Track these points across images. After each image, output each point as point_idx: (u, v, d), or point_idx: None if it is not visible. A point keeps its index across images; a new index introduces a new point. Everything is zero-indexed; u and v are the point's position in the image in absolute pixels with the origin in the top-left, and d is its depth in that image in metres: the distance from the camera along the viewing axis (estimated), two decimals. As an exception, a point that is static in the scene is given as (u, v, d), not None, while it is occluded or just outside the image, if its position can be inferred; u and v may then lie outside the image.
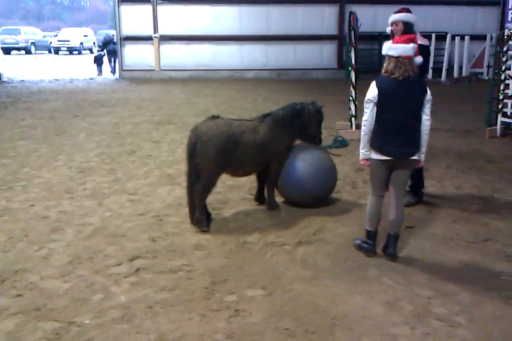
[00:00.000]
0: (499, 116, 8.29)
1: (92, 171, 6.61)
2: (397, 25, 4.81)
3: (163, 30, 18.10)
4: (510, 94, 8.04)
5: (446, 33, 16.61)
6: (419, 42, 4.83)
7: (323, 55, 18.43)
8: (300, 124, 5.03)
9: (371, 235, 4.08)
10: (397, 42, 3.75)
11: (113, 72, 19.91)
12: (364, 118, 3.82)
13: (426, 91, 3.79)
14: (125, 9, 18.08)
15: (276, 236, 4.49)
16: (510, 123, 8.34)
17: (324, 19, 18.11)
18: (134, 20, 18.04)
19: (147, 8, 17.90)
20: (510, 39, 7.81)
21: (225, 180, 6.11)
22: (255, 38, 18.15)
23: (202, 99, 13.44)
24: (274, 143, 4.88)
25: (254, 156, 4.80)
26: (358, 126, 8.36)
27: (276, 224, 4.79)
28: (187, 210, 5.12)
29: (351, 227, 4.67)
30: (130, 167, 6.85)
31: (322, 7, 18.07)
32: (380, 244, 4.15)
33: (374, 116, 3.77)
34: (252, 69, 18.20)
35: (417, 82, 3.78)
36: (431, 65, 16.03)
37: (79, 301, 3.44)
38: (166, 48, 18.28)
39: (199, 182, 4.72)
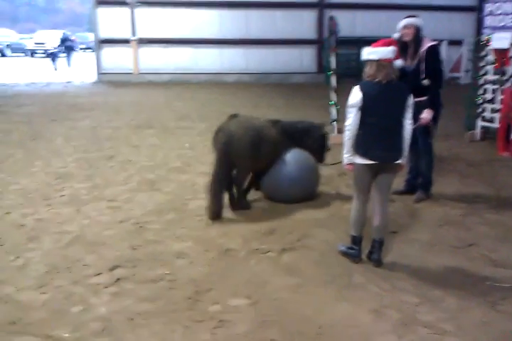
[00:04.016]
0: (478, 120, 8.36)
1: (69, 177, 6.45)
2: (409, 28, 4.95)
3: (141, 33, 17.93)
4: (489, 99, 8.11)
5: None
6: (431, 43, 4.96)
7: (303, 59, 18.47)
8: (301, 140, 5.46)
9: (356, 240, 4.04)
10: (376, 46, 3.74)
11: (69, 66, 23.81)
12: (347, 122, 3.78)
13: (408, 95, 3.78)
14: (102, 12, 17.86)
15: (260, 243, 4.42)
16: (489, 127, 8.41)
17: (303, 23, 18.15)
18: (112, 22, 17.84)
19: (125, 10, 17.71)
20: (487, 44, 7.89)
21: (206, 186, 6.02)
22: (235, 42, 18.10)
23: (182, 102, 13.33)
24: (279, 147, 5.26)
25: (270, 152, 5.18)
26: (340, 131, 8.36)
27: (260, 230, 4.71)
28: (168, 217, 5.05)
29: (336, 233, 4.62)
30: (109, 172, 6.71)
31: (301, 11, 18.12)
32: (365, 250, 4.11)
33: (358, 121, 3.73)
34: (232, 73, 18.14)
35: (399, 85, 3.76)
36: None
37: (57, 313, 3.31)
38: (145, 51, 18.12)
39: (237, 175, 5.13)
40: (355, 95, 3.71)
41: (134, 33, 17.88)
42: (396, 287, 3.69)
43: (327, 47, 17.26)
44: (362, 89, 3.69)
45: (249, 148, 4.95)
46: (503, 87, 7.80)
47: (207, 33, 17.99)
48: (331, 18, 8.07)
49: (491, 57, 7.92)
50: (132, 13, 17.73)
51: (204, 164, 7.05)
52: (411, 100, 3.78)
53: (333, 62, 8.11)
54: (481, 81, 8.16)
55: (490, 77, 8.05)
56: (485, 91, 8.18)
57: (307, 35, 18.25)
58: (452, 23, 17.72)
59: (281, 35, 18.09)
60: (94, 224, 4.88)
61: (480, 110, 8.32)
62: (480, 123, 8.38)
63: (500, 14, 7.71)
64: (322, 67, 18.28)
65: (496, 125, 8.11)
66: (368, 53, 3.71)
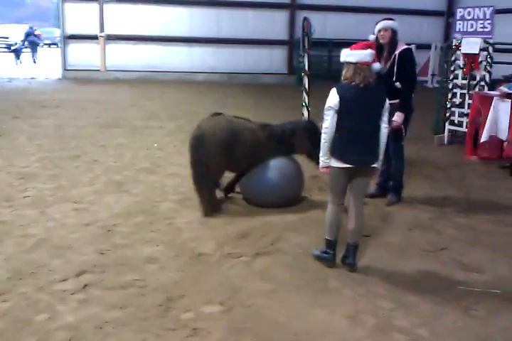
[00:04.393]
0: (446, 124, 8.49)
1: (33, 177, 6.20)
2: (386, 30, 4.95)
3: (109, 30, 17.53)
4: (457, 103, 8.24)
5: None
6: (405, 47, 4.98)
7: (274, 59, 18.43)
8: (292, 143, 5.28)
9: (331, 244, 3.99)
10: (354, 49, 3.70)
11: (34, 61, 23.45)
12: (324, 125, 3.73)
13: (385, 99, 3.76)
14: (70, 7, 17.38)
15: (232, 247, 4.33)
16: (456, 131, 8.56)
17: (275, 24, 18.10)
18: (79, 18, 17.37)
19: (93, 6, 17.27)
20: (458, 49, 8.01)
21: (176, 188, 5.90)
22: (205, 41, 17.90)
23: (149, 101, 13.08)
24: (265, 153, 5.17)
25: (246, 154, 5.09)
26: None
27: (232, 233, 4.62)
28: (137, 220, 4.91)
29: (309, 237, 4.57)
30: (74, 173, 6.49)
31: (273, 12, 18.07)
32: (339, 254, 4.07)
33: (334, 124, 3.69)
34: (202, 72, 17.94)
35: (376, 89, 3.74)
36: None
37: (20, 322, 3.14)
38: (113, 48, 17.72)
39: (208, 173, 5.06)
40: (333, 98, 3.67)
41: (102, 29, 17.47)
42: (371, 292, 3.67)
43: (299, 48, 17.42)
44: (339, 92, 3.65)
45: (218, 147, 4.93)
46: (471, 92, 7.94)
47: (177, 30, 17.72)
48: (305, 19, 8.04)
49: (460, 62, 8.04)
50: (101, 8, 17.31)
51: (174, 165, 6.93)
52: (387, 104, 3.77)
53: (306, 63, 8.08)
54: (450, 85, 8.28)
55: (459, 81, 8.17)
56: (454, 95, 8.30)
57: (278, 35, 18.21)
58: (421, 27, 17.98)
59: (252, 35, 18.00)
60: (59, 227, 4.69)
61: (448, 114, 8.45)
62: (448, 127, 8.50)
63: (471, 19, 7.83)
64: (292, 68, 18.33)
65: (464, 129, 8.26)
66: (346, 55, 3.68)
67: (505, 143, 6.63)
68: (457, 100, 8.25)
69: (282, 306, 3.43)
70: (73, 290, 3.53)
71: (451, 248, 4.50)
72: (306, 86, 8.11)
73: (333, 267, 4.00)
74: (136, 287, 3.62)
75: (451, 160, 7.61)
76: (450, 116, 8.44)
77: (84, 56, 17.58)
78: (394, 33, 5.04)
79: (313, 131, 5.17)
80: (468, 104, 8.07)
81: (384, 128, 3.78)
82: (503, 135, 6.69)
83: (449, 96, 8.35)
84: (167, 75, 17.64)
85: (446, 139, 8.53)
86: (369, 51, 3.64)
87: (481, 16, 7.68)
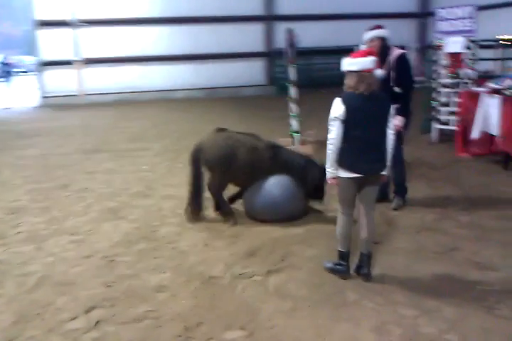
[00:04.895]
0: (434, 123, 8.51)
1: (23, 211, 6.00)
2: (373, 41, 4.96)
3: (85, 53, 17.37)
4: (444, 102, 8.27)
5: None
6: (400, 51, 4.96)
7: (253, 72, 18.45)
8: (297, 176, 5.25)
9: (344, 256, 3.90)
10: (356, 57, 3.65)
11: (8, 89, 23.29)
12: (331, 136, 3.65)
13: (390, 106, 3.71)
14: (43, 33, 17.18)
15: (242, 267, 4.21)
16: (444, 129, 8.58)
17: (252, 36, 18.14)
18: (54, 44, 17.18)
19: (67, 31, 17.12)
20: (440, 49, 8.06)
21: (174, 210, 5.76)
22: (183, 57, 17.85)
23: (132, 123, 12.93)
24: (266, 172, 5.18)
25: (246, 170, 5.18)
26: (303, 142, 8.30)
27: (239, 252, 4.50)
28: (139, 247, 4.76)
29: (318, 249, 4.48)
30: (66, 203, 6.31)
31: (249, 25, 18.11)
32: (351, 265, 3.98)
33: (341, 134, 3.61)
34: (182, 89, 17.85)
35: (381, 96, 3.69)
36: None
37: (34, 369, 2.98)
38: (90, 72, 17.54)
39: (208, 183, 5.31)
40: (338, 108, 3.59)
41: (77, 54, 17.29)
42: (391, 300, 3.58)
43: (277, 59, 17.46)
44: (345, 102, 3.58)
45: (215, 161, 5.16)
46: (457, 90, 7.98)
47: (155, 49, 17.64)
48: (290, 31, 8.04)
49: (444, 62, 8.09)
50: (75, 33, 17.15)
51: (167, 186, 6.80)
52: (392, 110, 3.72)
53: (292, 73, 8.05)
54: (435, 84, 8.32)
55: (444, 80, 8.21)
56: (439, 94, 8.34)
57: (256, 47, 18.24)
58: (396, 29, 18.07)
59: (230, 49, 18.01)
60: (59, 262, 4.51)
61: (435, 113, 8.47)
62: (436, 126, 8.52)
63: (452, 19, 7.89)
64: (272, 79, 18.35)
65: (452, 127, 8.29)
66: (349, 64, 3.62)
67: (497, 138, 6.64)
68: (443, 99, 8.28)
69: (305, 324, 3.32)
70: (85, 329, 3.38)
71: (462, 248, 4.45)
72: (294, 96, 8.05)
73: (347, 279, 3.91)
74: (150, 319, 3.48)
75: (443, 158, 7.61)
76: (437, 115, 8.46)
77: (60, 82, 17.38)
78: (383, 40, 5.04)
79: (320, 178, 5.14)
80: (455, 102, 8.11)
81: (390, 135, 3.72)
82: (494, 130, 6.71)
83: (435, 95, 8.37)
84: (147, 95, 17.53)
85: (435, 138, 8.55)
86: (371, 58, 3.59)
87: (462, 15, 7.74)
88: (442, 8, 8.17)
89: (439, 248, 4.45)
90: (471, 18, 7.78)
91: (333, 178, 3.78)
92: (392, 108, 3.76)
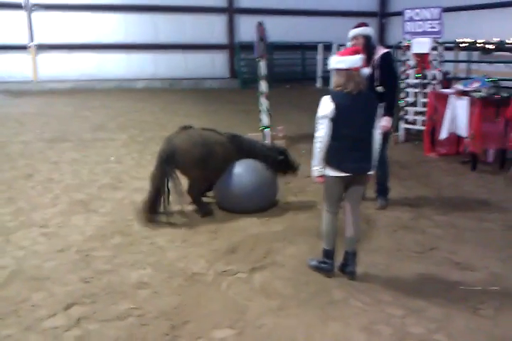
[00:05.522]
0: (401, 122, 8.67)
1: (-14, 202, 5.70)
2: (357, 39, 4.93)
3: (40, 39, 16.66)
4: (411, 102, 8.43)
5: (332, 43, 17.27)
6: (384, 51, 4.97)
7: (215, 64, 18.22)
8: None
9: (329, 254, 3.90)
10: (343, 55, 3.63)
11: None
12: (319, 134, 3.62)
13: (377, 105, 3.72)
14: (-5, 16, 16.37)
15: (225, 264, 4.13)
16: (410, 129, 8.76)
17: (213, 28, 17.89)
18: (6, 27, 16.39)
19: (21, 14, 16.34)
20: (408, 49, 8.20)
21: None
22: (143, 47, 17.39)
23: (92, 111, 12.51)
24: (231, 160, 5.22)
25: (220, 167, 5.16)
26: (273, 138, 8.26)
27: (220, 249, 4.42)
28: (114, 241, 4.60)
29: (299, 246, 4.46)
30: (31, 194, 6.03)
31: (210, 16, 17.85)
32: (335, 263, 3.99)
33: (329, 132, 3.59)
34: (141, 79, 17.42)
35: (369, 95, 3.69)
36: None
37: (13, 370, 2.81)
38: (45, 58, 16.82)
39: (188, 187, 5.20)
40: (327, 106, 3.56)
41: (31, 39, 16.57)
42: (377, 300, 3.60)
43: (239, 52, 17.32)
44: (334, 100, 3.55)
45: (193, 163, 5.02)
46: (424, 90, 8.15)
47: (112, 37, 17.09)
48: (260, 24, 7.93)
49: (411, 62, 8.23)
50: (29, 17, 16.42)
51: (137, 179, 6.61)
52: (379, 109, 3.73)
53: (263, 68, 7.97)
54: (403, 85, 8.46)
55: (411, 80, 8.36)
56: (407, 94, 8.49)
57: (218, 40, 18.02)
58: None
59: (191, 40, 17.71)
60: (30, 256, 4.29)
61: (403, 113, 8.63)
62: (403, 125, 8.69)
63: (419, 20, 8.03)
64: (234, 72, 18.21)
65: (418, 127, 8.47)
66: (336, 62, 3.59)
67: (466, 140, 6.82)
68: (410, 99, 8.44)
69: (294, 323, 3.29)
70: (66, 327, 3.22)
71: (440, 247, 4.53)
72: (265, 90, 7.97)
73: (332, 277, 3.91)
74: (134, 316, 3.35)
75: (412, 158, 7.76)
76: (404, 114, 8.62)
77: (13, 67, 16.60)
78: (367, 39, 5.03)
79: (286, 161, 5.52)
80: (422, 102, 8.28)
81: (377, 134, 3.73)
82: (463, 132, 6.89)
83: (402, 95, 8.53)
84: (105, 83, 17.00)
85: (401, 137, 8.71)
86: (359, 56, 3.57)
87: (429, 17, 7.90)
88: (409, 9, 8.30)
89: (419, 247, 4.51)
90: (437, 19, 7.94)
91: (320, 176, 3.75)
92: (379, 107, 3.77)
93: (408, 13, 8.21)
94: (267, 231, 4.82)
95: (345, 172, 3.66)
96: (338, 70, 3.60)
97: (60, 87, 16.71)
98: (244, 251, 4.37)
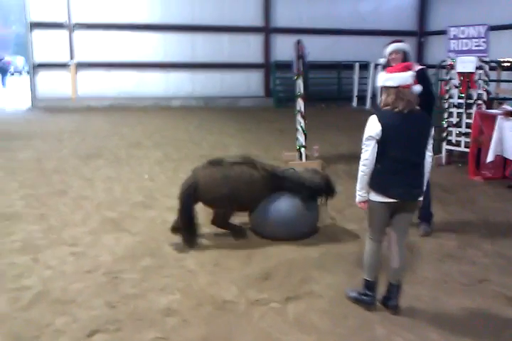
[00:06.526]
0: (444, 144, 8.32)
1: (18, 218, 5.64)
2: (397, 53, 4.77)
3: (80, 57, 17.04)
4: (454, 122, 8.10)
5: (369, 62, 17.08)
6: (420, 67, 4.76)
7: (250, 83, 18.25)
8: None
9: (371, 285, 3.62)
10: (393, 71, 3.40)
11: (3, 85, 25.32)
12: (364, 156, 3.38)
13: (430, 125, 3.47)
14: (38, 34, 16.82)
15: (258, 291, 3.90)
16: (453, 150, 8.40)
17: (250, 47, 17.97)
18: (48, 46, 16.83)
19: (62, 33, 16.79)
20: (452, 68, 7.90)
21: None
22: (181, 65, 17.57)
23: (128, 129, 12.59)
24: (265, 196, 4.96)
25: (248, 203, 4.97)
26: (308, 157, 8.05)
27: (253, 275, 4.20)
28: (144, 263, 4.44)
29: (338, 275, 4.19)
30: (63, 211, 5.96)
31: (247, 35, 17.94)
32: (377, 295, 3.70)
33: (375, 155, 3.35)
34: (178, 97, 17.55)
35: (421, 114, 3.44)
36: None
37: None
38: (84, 76, 17.20)
39: (212, 218, 5.03)
40: (374, 126, 3.33)
41: (72, 57, 16.96)
42: (423, 337, 3.31)
43: (275, 71, 17.27)
44: (381, 120, 3.32)
45: (217, 200, 4.86)
46: (469, 111, 7.81)
47: (151, 56, 17.37)
48: (299, 42, 7.81)
49: (455, 81, 7.92)
50: (70, 35, 16.85)
51: (170, 197, 6.43)
52: (433, 130, 3.48)
53: (300, 86, 7.81)
54: (446, 105, 8.14)
55: (455, 100, 8.04)
56: (450, 114, 8.16)
57: (254, 59, 18.06)
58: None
59: (228, 59, 17.80)
60: (57, 276, 4.17)
61: (445, 134, 8.29)
62: (446, 147, 8.33)
63: (464, 38, 7.74)
64: (269, 90, 18.16)
65: (462, 148, 8.11)
66: (385, 79, 3.37)
67: (514, 163, 6.45)
68: (454, 119, 8.10)
69: (332, 362, 3.02)
70: (89, 356, 3.05)
71: (490, 279, 4.19)
72: (302, 109, 7.79)
73: (373, 310, 3.62)
74: (160, 347, 3.15)
75: (455, 181, 7.39)
76: (447, 135, 8.28)
77: (54, 85, 16.99)
78: (405, 54, 4.83)
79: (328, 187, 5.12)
80: (466, 123, 7.93)
81: (429, 157, 3.48)
82: (510, 154, 6.51)
83: (446, 115, 8.20)
84: (142, 101, 17.19)
85: (444, 159, 8.35)
86: (410, 73, 3.35)
87: (475, 35, 7.60)
88: (454, 27, 8.00)
89: (466, 279, 4.19)
90: (483, 37, 7.63)
91: (364, 202, 3.50)
92: (433, 128, 3.51)
93: (453, 31, 7.91)
94: (303, 257, 4.57)
95: (393, 198, 3.39)
96: (387, 88, 3.37)
97: (98, 105, 16.99)
98: (278, 279, 4.13)
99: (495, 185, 7.10)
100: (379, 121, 3.32)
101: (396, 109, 3.32)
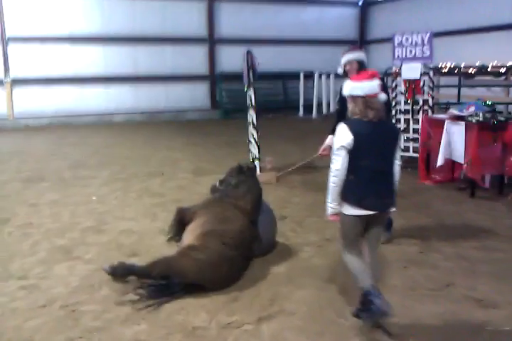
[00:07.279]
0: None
1: (-42, 251, 5.22)
2: (351, 64, 4.72)
3: (16, 72, 16.21)
4: (402, 129, 8.27)
5: (313, 72, 17.35)
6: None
7: (196, 95, 18.06)
8: None
9: (370, 293, 3.36)
10: (359, 80, 3.36)
11: None
12: (335, 167, 3.30)
13: (398, 133, 3.46)
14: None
15: (228, 314, 3.74)
16: (402, 156, 8.56)
17: (194, 59, 17.78)
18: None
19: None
20: (398, 75, 8.08)
21: (136, 247, 5.20)
22: (122, 79, 17.11)
23: (70, 148, 12.08)
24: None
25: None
26: (262, 170, 7.96)
27: (220, 297, 4.02)
28: (103, 293, 4.17)
29: (308, 290, 4.10)
30: (8, 241, 5.55)
31: (191, 46, 17.73)
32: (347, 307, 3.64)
33: (346, 165, 3.28)
34: (121, 112, 17.09)
35: (389, 123, 3.44)
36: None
37: None
38: (21, 93, 16.42)
39: None
40: (345, 136, 3.26)
41: (6, 73, 16.13)
42: (401, 349, 3.25)
43: (220, 82, 17.18)
44: (352, 130, 3.25)
45: None
46: (416, 117, 8.00)
47: (92, 69, 16.78)
48: (248, 52, 7.71)
49: (401, 88, 8.11)
50: (4, 50, 15.95)
51: (123, 219, 6.22)
52: (400, 139, 3.47)
53: (251, 97, 7.73)
54: (393, 111, 8.31)
55: (402, 106, 8.22)
56: (398, 121, 8.33)
57: (199, 70, 17.92)
58: (338, 56, 18.52)
59: (172, 71, 17.54)
60: (9, 314, 3.84)
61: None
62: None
63: (409, 45, 7.93)
64: (215, 102, 18.06)
65: (410, 154, 8.29)
66: (352, 88, 3.31)
67: (464, 166, 6.62)
68: (401, 126, 8.28)
69: (315, 384, 2.91)
70: None
71: (455, 283, 4.24)
72: (254, 121, 7.72)
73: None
74: (132, 385, 2.93)
75: (407, 185, 7.49)
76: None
77: (-12, 104, 16.15)
78: (360, 64, 4.84)
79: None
80: (414, 128, 8.12)
81: (397, 166, 3.46)
82: (459, 157, 6.70)
83: (393, 122, 8.36)
84: (83, 118, 16.63)
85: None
86: (376, 81, 3.31)
87: (419, 42, 7.81)
88: (399, 35, 8.20)
89: (433, 284, 4.21)
90: (428, 44, 7.84)
91: (335, 214, 3.43)
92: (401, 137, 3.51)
93: (398, 39, 8.09)
94: (267, 273, 4.45)
95: (367, 209, 3.32)
96: (354, 97, 3.32)
97: (36, 123, 16.29)
98: (247, 299, 3.98)
99: (446, 188, 7.28)
100: (350, 130, 3.26)
101: (366, 118, 3.28)
